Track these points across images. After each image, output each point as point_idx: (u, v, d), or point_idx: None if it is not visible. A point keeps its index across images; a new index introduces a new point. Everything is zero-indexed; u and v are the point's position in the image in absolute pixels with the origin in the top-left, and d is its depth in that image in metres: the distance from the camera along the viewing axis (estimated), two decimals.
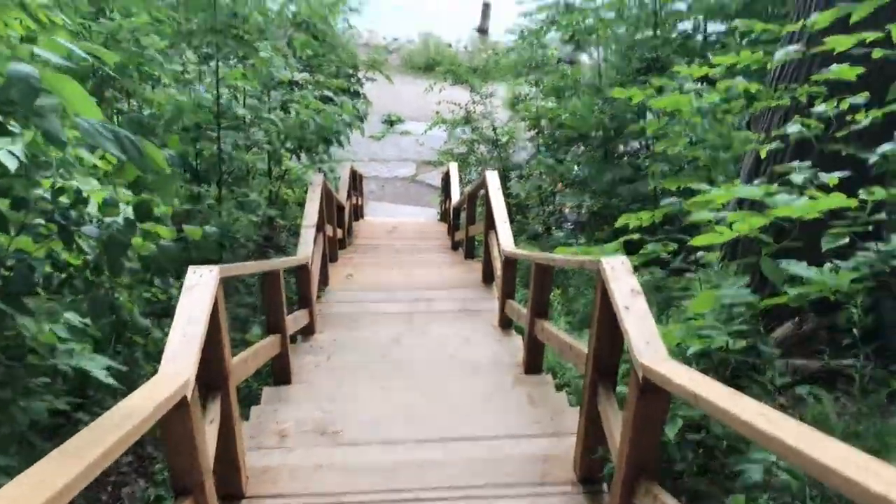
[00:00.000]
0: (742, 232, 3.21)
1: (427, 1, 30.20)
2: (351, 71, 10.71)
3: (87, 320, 3.40)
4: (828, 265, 3.66)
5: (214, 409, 3.19)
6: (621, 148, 11.35)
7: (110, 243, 3.00)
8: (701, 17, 10.73)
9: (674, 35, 10.82)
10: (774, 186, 3.74)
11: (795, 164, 3.65)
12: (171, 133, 6.47)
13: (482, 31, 28.37)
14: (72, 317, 3.27)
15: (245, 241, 6.99)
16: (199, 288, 3.08)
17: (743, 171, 6.04)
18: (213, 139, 6.77)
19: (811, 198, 3.07)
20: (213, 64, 6.63)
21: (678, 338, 4.12)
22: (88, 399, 3.67)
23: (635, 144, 11.52)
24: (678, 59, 9.96)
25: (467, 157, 13.31)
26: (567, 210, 10.84)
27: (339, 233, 9.72)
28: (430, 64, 24.35)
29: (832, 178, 3.37)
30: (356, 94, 10.13)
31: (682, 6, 11.05)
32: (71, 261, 3.37)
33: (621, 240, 5.30)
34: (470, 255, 8.98)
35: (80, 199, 3.16)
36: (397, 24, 28.25)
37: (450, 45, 25.93)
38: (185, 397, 2.62)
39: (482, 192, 7.81)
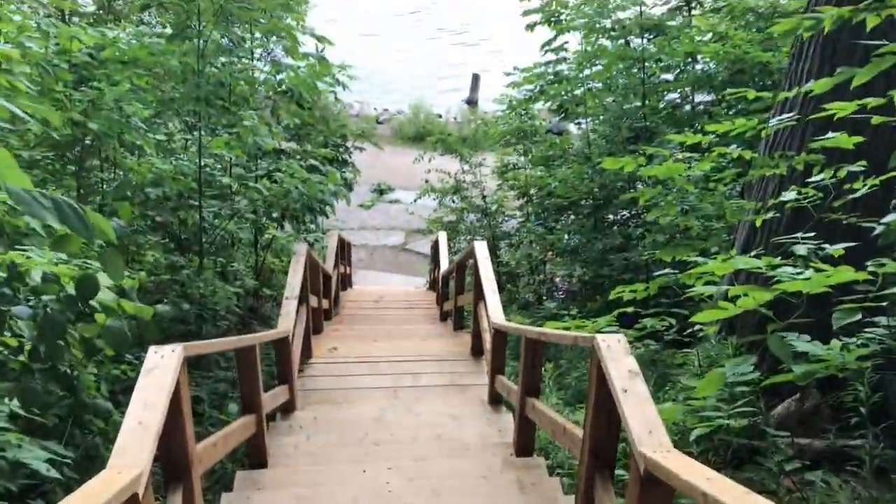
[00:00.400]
0: (747, 307, 3.01)
1: (418, 74, 30.78)
2: (339, 140, 10.64)
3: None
4: (835, 341, 3.46)
5: None
6: (611, 217, 11.28)
7: (46, 325, 2.77)
8: (688, 89, 10.81)
9: (661, 105, 10.88)
10: (776, 259, 3.56)
11: (798, 234, 3.48)
12: (150, 200, 6.29)
13: (471, 102, 28.78)
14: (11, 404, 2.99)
15: (225, 314, 6.73)
16: (160, 370, 2.83)
17: (737, 241, 5.89)
18: (196, 208, 6.59)
19: (817, 270, 2.89)
20: (196, 133, 6.51)
21: (678, 417, 3.87)
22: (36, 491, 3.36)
23: (625, 213, 11.46)
24: (667, 128, 9.97)
25: (457, 226, 13.20)
26: (558, 279, 10.66)
27: (325, 303, 9.48)
28: (420, 134, 24.57)
29: (837, 249, 3.19)
30: (344, 163, 10.04)
31: (669, 77, 11.15)
32: (8, 342, 3.11)
33: (615, 313, 5.09)
34: (459, 326, 8.74)
35: (14, 275, 2.92)
36: (388, 95, 28.68)
37: (440, 116, 26.24)
38: (135, 495, 2.34)
39: (471, 261, 7.63)
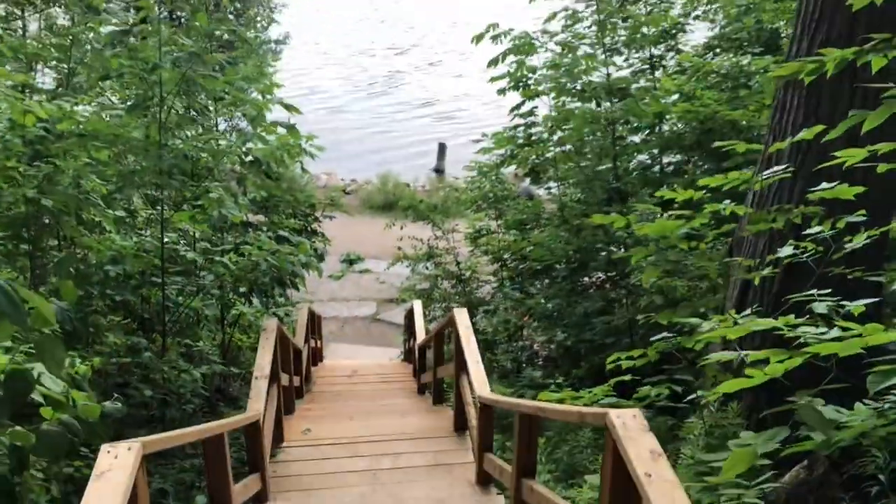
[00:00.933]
0: (776, 374, 2.74)
1: (385, 144, 30.92)
2: (308, 210, 10.38)
3: None
4: (859, 405, 3.19)
5: None
6: (586, 279, 11.08)
7: None
8: (656, 150, 10.81)
9: (632, 166, 10.85)
10: (778, 318, 3.32)
11: (814, 291, 3.24)
12: (110, 279, 5.92)
13: (439, 171, 28.93)
14: None
15: (191, 397, 6.29)
16: (114, 472, 2.45)
17: (729, 300, 5.67)
18: (158, 285, 6.23)
19: (843, 329, 2.64)
20: (159, 207, 6.20)
21: (693, 496, 3.54)
22: None
23: (599, 275, 11.28)
24: (640, 189, 9.89)
25: (431, 293, 12.89)
26: (537, 345, 10.35)
27: (297, 380, 9.03)
28: (389, 203, 24.54)
29: (858, 306, 2.96)
30: (314, 233, 9.76)
31: (636, 138, 11.17)
32: None
33: (612, 382, 4.79)
34: (439, 399, 8.34)
35: None
36: (355, 166, 28.68)
37: (408, 185, 26.23)
38: None
39: (450, 330, 7.30)
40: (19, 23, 9.77)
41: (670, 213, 4.42)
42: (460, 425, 6.88)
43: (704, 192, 4.47)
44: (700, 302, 6.52)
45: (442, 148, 29.60)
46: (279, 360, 6.70)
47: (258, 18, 16.68)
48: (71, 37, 7.69)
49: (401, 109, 34.67)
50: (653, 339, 4.66)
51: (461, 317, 6.65)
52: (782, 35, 11.97)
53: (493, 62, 9.98)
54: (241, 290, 6.34)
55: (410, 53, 42.70)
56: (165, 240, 6.39)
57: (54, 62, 8.27)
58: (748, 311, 4.63)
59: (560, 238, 9.27)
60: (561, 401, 4.47)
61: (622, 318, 8.30)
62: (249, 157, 6.60)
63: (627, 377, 4.73)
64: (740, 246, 5.41)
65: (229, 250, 7.13)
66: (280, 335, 7.28)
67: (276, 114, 8.33)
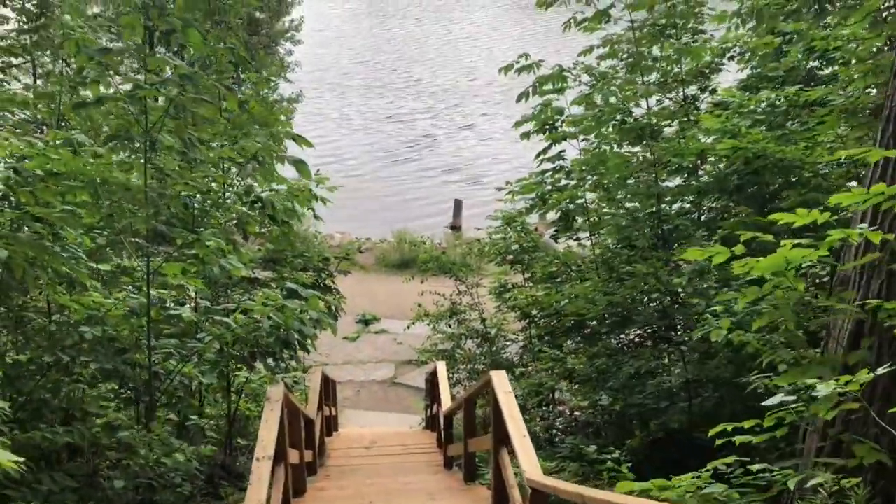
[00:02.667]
0: None
1: (401, 205, 30.28)
2: (321, 265, 9.50)
3: None
4: None
5: None
6: (622, 336, 10.07)
7: None
8: (695, 195, 9.90)
9: (673, 210, 9.94)
10: None
11: None
12: (86, 343, 5.00)
13: (455, 227, 28.19)
14: None
15: (182, 481, 5.29)
16: None
17: (834, 343, 4.65)
18: (143, 349, 5.32)
19: None
20: (143, 259, 5.32)
21: None
22: None
23: (637, 332, 10.25)
24: (685, 233, 8.94)
25: (453, 354, 11.86)
26: (577, 412, 9.27)
27: (308, 455, 7.99)
28: (405, 261, 23.77)
29: None
30: (327, 290, 8.86)
31: (671, 183, 10.29)
32: None
33: (713, 465, 3.75)
34: (471, 476, 7.25)
35: None
36: (371, 227, 27.98)
37: (423, 243, 25.44)
38: None
39: (484, 396, 6.30)
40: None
41: (789, 242, 3.43)
42: None
43: (831, 214, 3.49)
44: (813, 357, 5.52)
45: (458, 205, 28.92)
46: (286, 434, 5.71)
47: (267, 73, 16.14)
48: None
49: (422, 174, 34.17)
50: (766, 403, 3.63)
51: (500, 380, 5.64)
52: (819, 72, 11.21)
53: (523, 96, 9.20)
54: (241, 353, 5.39)
55: (435, 116, 42.43)
56: (154, 296, 5.49)
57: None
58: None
59: (603, 289, 8.27)
60: (646, 491, 3.46)
61: (680, 377, 7.25)
62: (251, 197, 5.75)
63: (729, 460, 3.69)
64: (846, 284, 4.44)
65: (234, 310, 6.20)
66: (288, 405, 6.30)
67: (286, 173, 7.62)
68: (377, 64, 54.20)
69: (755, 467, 3.69)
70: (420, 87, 48.36)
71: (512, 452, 5.63)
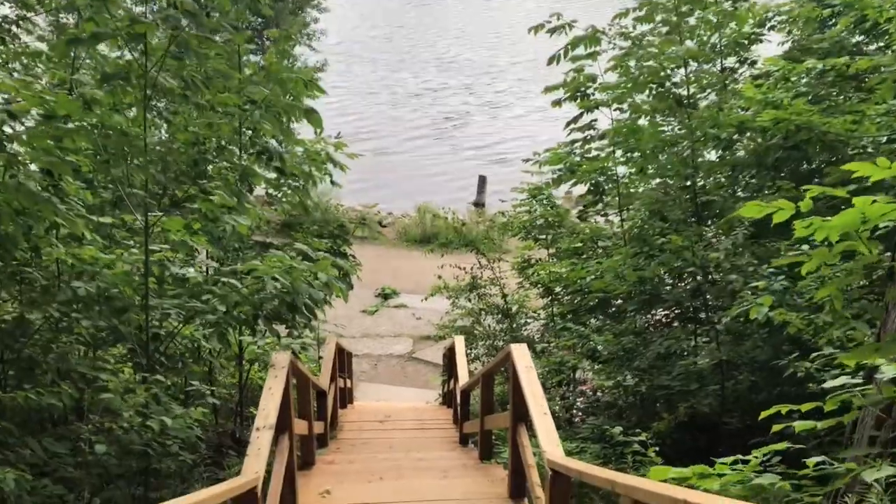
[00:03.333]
0: None
1: (423, 179, 29.81)
2: (337, 231, 9.14)
3: None
4: None
5: None
6: (648, 316, 9.61)
7: None
8: (732, 170, 9.37)
9: (708, 185, 9.43)
10: None
11: None
12: (78, 299, 4.68)
13: (478, 204, 27.67)
14: None
15: (180, 449, 4.97)
16: None
17: (888, 328, 4.20)
18: (142, 308, 4.99)
19: None
20: (141, 213, 4.97)
21: None
22: None
23: (665, 313, 9.78)
24: (722, 206, 8.44)
25: (472, 330, 11.48)
26: (599, 392, 8.86)
27: (320, 427, 7.69)
28: (427, 236, 23.37)
29: None
30: (343, 256, 8.50)
31: (711, 156, 9.76)
32: None
33: (764, 451, 3.33)
34: (487, 454, 6.89)
35: None
36: (392, 199, 27.59)
37: (446, 218, 25.01)
38: None
39: (504, 371, 5.92)
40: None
41: (866, 198, 2.94)
42: (517, 490, 5.44)
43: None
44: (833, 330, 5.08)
45: (482, 181, 28.39)
46: (292, 403, 5.37)
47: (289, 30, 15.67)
48: None
49: (447, 150, 33.58)
50: (828, 385, 3.21)
51: (520, 354, 5.24)
52: (866, 48, 10.55)
53: (555, 58, 8.70)
54: (242, 316, 5.04)
55: (464, 93, 41.66)
56: (157, 255, 5.16)
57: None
58: None
59: (633, 264, 7.81)
60: (685, 479, 3.05)
61: (711, 359, 6.80)
62: (257, 147, 5.35)
63: (782, 445, 3.27)
64: None
65: (245, 271, 5.80)
66: (296, 373, 5.97)
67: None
68: (407, 37, 53.45)
69: (812, 460, 3.25)
70: (450, 63, 47.62)
71: (531, 431, 5.27)
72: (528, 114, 35.52)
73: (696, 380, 7.31)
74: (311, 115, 4.63)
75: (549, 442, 4.27)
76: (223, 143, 5.34)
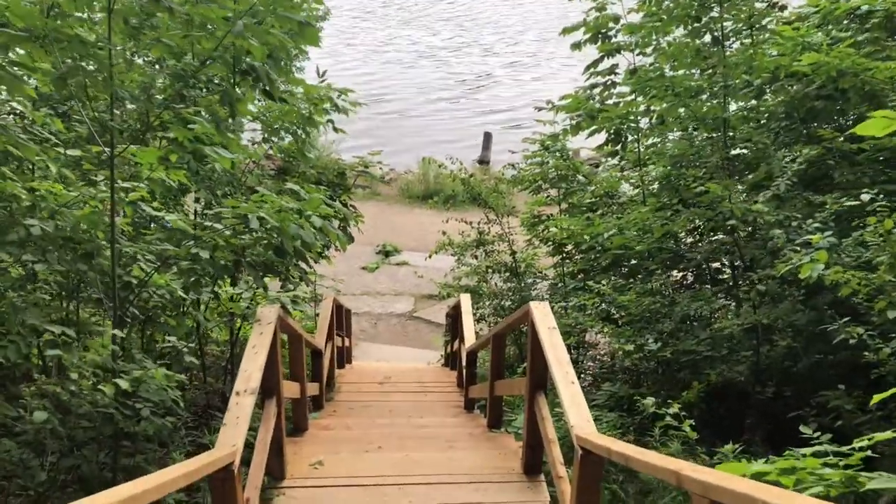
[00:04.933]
0: None
1: (427, 137, 28.90)
2: (337, 180, 8.46)
3: None
4: None
5: None
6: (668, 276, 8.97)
7: None
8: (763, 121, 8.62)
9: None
10: None
11: None
12: (32, 239, 4.02)
13: (483, 161, 26.85)
14: None
15: (152, 414, 4.35)
16: None
17: None
18: (107, 250, 4.33)
19: None
20: (108, 142, 4.27)
21: None
22: None
23: (681, 274, 9.13)
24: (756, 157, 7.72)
25: (478, 289, 10.84)
26: (612, 356, 8.24)
27: (314, 388, 7.11)
28: (430, 193, 22.69)
29: None
30: (343, 205, 7.84)
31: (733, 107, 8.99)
32: None
33: (874, 438, 2.68)
34: (496, 422, 6.29)
35: None
36: (394, 156, 26.73)
37: (449, 175, 24.26)
38: None
39: (517, 331, 5.27)
40: None
41: None
42: (533, 466, 4.84)
43: None
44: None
45: (487, 138, 27.53)
46: (279, 363, 4.75)
47: None
48: None
49: (455, 111, 32.45)
50: None
51: (542, 314, 4.58)
52: None
53: None
54: (224, 262, 4.37)
55: (475, 53, 40.24)
56: (125, 190, 4.48)
57: None
58: None
59: (662, 217, 7.12)
60: (761, 475, 2.41)
61: (750, 322, 6.15)
62: (242, 65, 4.61)
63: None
64: None
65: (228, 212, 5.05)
66: (287, 329, 5.35)
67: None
68: None
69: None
70: (464, 22, 46.11)
71: (551, 400, 4.67)
72: (543, 76, 34.25)
73: (725, 345, 6.69)
74: (307, 29, 3.89)
75: (577, 415, 3.64)
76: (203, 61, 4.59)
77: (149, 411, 4.36)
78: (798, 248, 5.31)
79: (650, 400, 5.10)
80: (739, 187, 7.56)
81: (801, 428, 4.76)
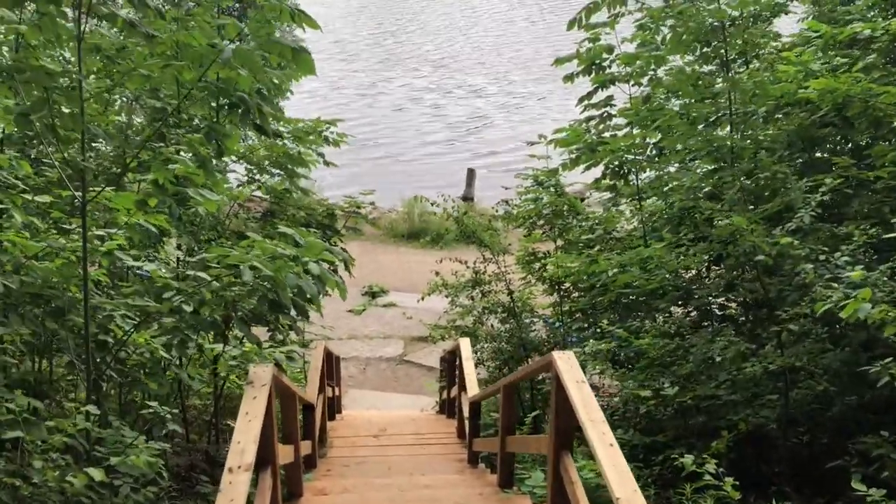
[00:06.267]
0: None
1: (409, 176, 28.63)
2: (326, 221, 8.03)
3: None
4: None
5: None
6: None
7: None
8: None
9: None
10: None
11: None
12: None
13: (467, 198, 26.53)
14: None
15: (132, 491, 3.82)
16: None
17: None
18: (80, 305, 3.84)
19: None
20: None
21: None
22: None
23: (680, 311, 8.74)
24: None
25: (475, 331, 10.36)
26: (630, 402, 7.78)
27: (307, 446, 6.56)
28: (415, 232, 22.39)
29: None
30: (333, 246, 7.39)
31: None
32: None
33: None
34: (507, 482, 5.77)
35: None
36: (378, 195, 26.33)
37: (434, 213, 23.92)
38: None
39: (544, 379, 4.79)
40: None
41: None
42: None
43: None
44: None
45: (471, 174, 27.32)
46: (275, 429, 4.24)
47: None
48: None
49: (438, 150, 32.25)
50: None
51: (568, 366, 4.11)
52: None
53: (575, 23, 7.62)
54: (212, 317, 3.88)
55: (453, 93, 40.16)
56: (99, 238, 4.01)
57: None
58: None
59: (676, 253, 6.74)
60: None
61: (779, 364, 5.72)
62: (231, 98, 4.17)
63: None
64: None
65: (216, 260, 4.57)
66: (281, 389, 4.85)
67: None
68: (400, 37, 51.94)
69: None
70: (445, 63, 46.15)
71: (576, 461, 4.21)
72: (531, 119, 34.05)
73: (749, 388, 6.26)
74: (300, 56, 3.47)
75: (622, 486, 3.18)
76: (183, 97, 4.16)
77: (129, 488, 3.84)
78: (832, 284, 4.92)
79: (688, 459, 4.63)
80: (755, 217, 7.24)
81: (854, 484, 4.33)
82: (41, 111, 3.36)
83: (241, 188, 6.78)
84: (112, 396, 4.89)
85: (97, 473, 3.11)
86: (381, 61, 46.21)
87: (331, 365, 9.64)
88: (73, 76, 3.35)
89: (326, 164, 7.63)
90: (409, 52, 48.63)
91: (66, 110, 3.58)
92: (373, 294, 17.36)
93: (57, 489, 3.12)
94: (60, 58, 4.25)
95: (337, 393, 10.68)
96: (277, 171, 7.61)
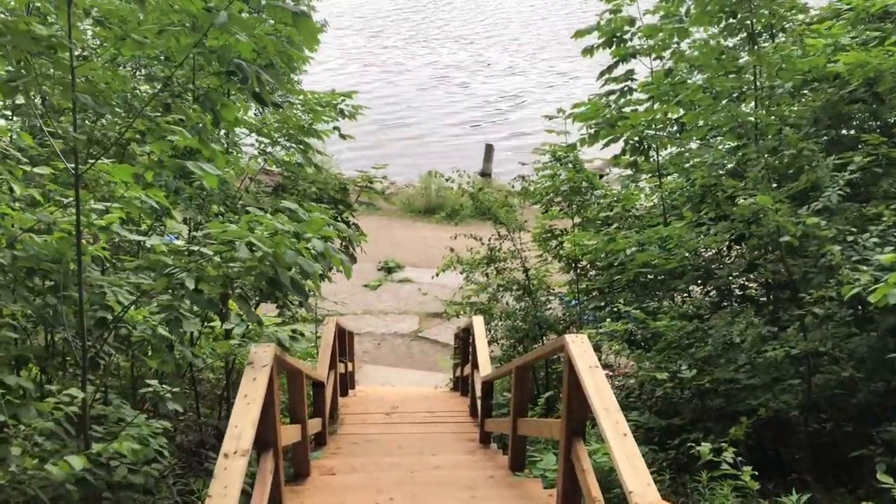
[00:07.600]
0: None
1: (427, 152, 28.36)
2: (339, 196, 7.86)
3: None
4: None
5: None
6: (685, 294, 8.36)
7: None
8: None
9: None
10: None
11: None
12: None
13: (485, 174, 26.29)
14: None
15: (129, 472, 3.72)
16: None
17: None
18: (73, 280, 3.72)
19: None
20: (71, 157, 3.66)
21: None
22: None
23: (702, 291, 8.52)
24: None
25: (489, 308, 10.20)
26: (646, 384, 7.61)
27: (316, 424, 6.47)
28: (432, 207, 22.15)
29: None
30: (345, 224, 7.25)
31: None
32: None
33: None
34: (519, 464, 5.65)
35: None
36: (395, 170, 26.13)
37: (451, 189, 23.69)
38: None
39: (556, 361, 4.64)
40: None
41: None
42: None
43: None
44: None
45: (489, 149, 26.97)
46: (276, 410, 4.12)
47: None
48: None
49: (456, 127, 31.86)
50: None
51: (581, 350, 3.94)
52: None
53: None
54: (208, 295, 3.74)
55: (475, 68, 39.64)
56: (97, 211, 3.87)
57: None
58: None
59: (697, 231, 6.51)
60: None
61: (800, 349, 5.51)
62: (227, 66, 3.98)
63: None
64: None
65: (214, 236, 4.39)
66: (285, 367, 4.73)
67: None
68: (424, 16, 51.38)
69: None
70: (472, 42, 45.61)
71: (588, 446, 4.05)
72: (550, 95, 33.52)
73: (769, 372, 6.06)
74: (302, 21, 3.25)
75: (636, 478, 3.02)
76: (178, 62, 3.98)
77: (125, 469, 3.73)
78: (860, 267, 4.69)
79: (705, 447, 4.46)
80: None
81: (879, 476, 4.14)
82: (25, 78, 3.21)
83: (250, 161, 6.62)
84: (117, 374, 4.78)
85: (78, 462, 2.98)
86: (405, 38, 45.79)
87: (343, 341, 9.54)
88: (63, 42, 3.19)
89: (342, 136, 7.44)
90: (436, 29, 48.17)
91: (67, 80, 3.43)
92: (388, 269, 17.25)
93: (41, 476, 3.01)
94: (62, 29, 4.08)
95: (350, 369, 10.60)
96: (290, 143, 7.45)
